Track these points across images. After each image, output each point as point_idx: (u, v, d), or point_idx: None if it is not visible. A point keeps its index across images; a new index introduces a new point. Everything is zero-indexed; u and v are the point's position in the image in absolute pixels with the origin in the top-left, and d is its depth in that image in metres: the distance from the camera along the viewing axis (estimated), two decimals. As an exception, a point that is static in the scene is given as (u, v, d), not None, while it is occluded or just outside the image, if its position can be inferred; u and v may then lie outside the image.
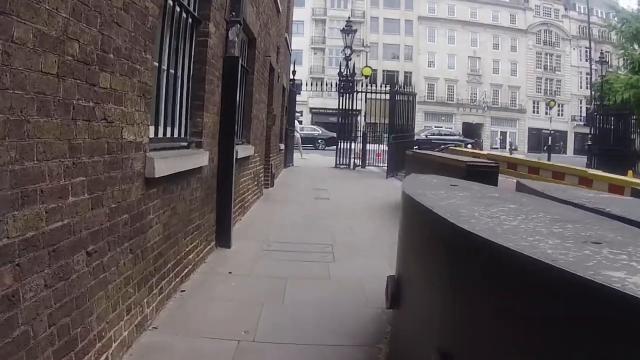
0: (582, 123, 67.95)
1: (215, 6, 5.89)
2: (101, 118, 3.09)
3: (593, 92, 45.44)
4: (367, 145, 22.31)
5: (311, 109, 62.67)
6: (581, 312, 1.36)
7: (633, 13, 38.38)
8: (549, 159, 32.88)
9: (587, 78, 69.28)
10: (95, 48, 2.97)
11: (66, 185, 2.75)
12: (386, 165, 19.43)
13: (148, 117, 3.87)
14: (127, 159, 3.52)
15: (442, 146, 20.77)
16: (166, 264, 4.58)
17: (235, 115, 6.62)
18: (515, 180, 10.16)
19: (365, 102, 21.59)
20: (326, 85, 24.66)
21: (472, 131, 61.87)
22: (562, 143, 67.89)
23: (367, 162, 22.11)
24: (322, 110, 60.14)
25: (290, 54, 21.61)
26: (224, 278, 5.52)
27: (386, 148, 21.98)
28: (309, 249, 6.95)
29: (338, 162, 21.23)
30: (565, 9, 74.45)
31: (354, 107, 21.11)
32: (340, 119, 21.99)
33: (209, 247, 6.28)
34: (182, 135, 5.31)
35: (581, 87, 72.12)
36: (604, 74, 35.17)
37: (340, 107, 21.16)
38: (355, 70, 21.54)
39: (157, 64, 4.38)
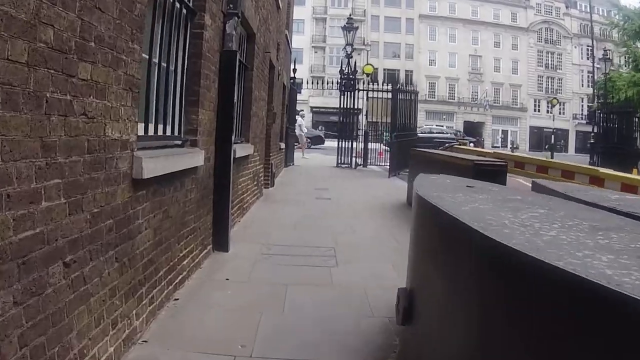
0: (583, 121, 67.75)
1: (212, -3, 5.59)
2: (80, 113, 2.78)
3: (595, 90, 45.22)
4: (369, 144, 22.00)
5: (312, 107, 62.44)
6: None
7: (635, 10, 38.17)
8: (552, 158, 32.61)
9: (588, 76, 69.44)
10: (73, 35, 2.66)
11: (38, 188, 2.44)
12: (388, 164, 19.13)
13: (136, 113, 3.56)
14: (112, 158, 3.21)
15: (447, 145, 20.44)
16: (158, 271, 4.27)
17: (233, 113, 6.31)
18: (521, 180, 9.86)
19: (367, 100, 21.30)
20: (327, 83, 24.32)
21: (473, 130, 61.65)
22: (562, 142, 67.59)
23: (369, 161, 21.81)
24: (323, 109, 59.91)
25: (291, 52, 21.30)
26: (220, 285, 5.20)
27: (382, 147, 21.75)
28: (310, 252, 6.64)
29: (339, 161, 20.92)
30: (567, 7, 74.27)
31: (356, 106, 20.80)
32: (341, 117, 21.64)
33: (205, 251, 5.97)
34: (176, 133, 4.99)
35: (582, 86, 72.03)
36: (607, 71, 34.75)
37: (342, 105, 20.83)
38: (357, 69, 21.18)
39: (147, 57, 4.07)
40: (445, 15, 71.12)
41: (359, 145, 21.62)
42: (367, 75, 22.40)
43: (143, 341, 3.82)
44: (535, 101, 72.81)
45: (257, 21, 8.88)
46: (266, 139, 12.01)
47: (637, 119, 24.92)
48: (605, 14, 64.07)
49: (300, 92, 27.04)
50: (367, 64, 26.04)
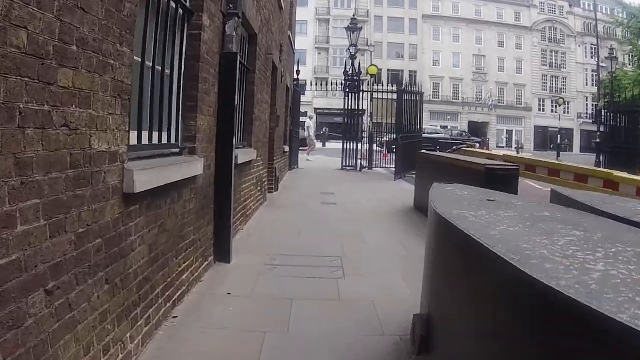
0: (589, 120, 67.35)
1: (210, -3, 5.32)
2: (61, 125, 2.51)
3: (601, 89, 44.83)
4: (374, 145, 21.72)
5: (316, 109, 62.16)
6: None
7: (640, 8, 37.83)
8: (558, 158, 32.27)
9: (592, 75, 69.12)
10: (51, 38, 2.39)
11: (12, 211, 2.17)
12: (394, 166, 18.85)
13: (127, 122, 3.28)
14: (99, 172, 2.94)
15: (454, 147, 20.12)
16: (154, 289, 4.00)
17: (234, 117, 6.02)
18: (531, 182, 9.54)
19: (371, 101, 21.00)
20: (331, 85, 24.03)
21: (478, 130, 61.27)
22: (567, 141, 67.21)
23: (374, 163, 21.54)
24: (327, 111, 59.62)
25: (294, 54, 21.03)
26: (221, 300, 4.92)
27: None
28: (316, 263, 6.36)
29: (344, 164, 20.63)
30: (570, 6, 73.92)
31: (360, 107, 20.52)
32: (346, 119, 21.36)
33: (206, 263, 5.69)
34: (173, 141, 4.72)
35: (587, 85, 71.71)
36: (613, 70, 34.38)
37: (346, 107, 20.54)
38: (361, 70, 20.90)
39: (139, 60, 3.80)
40: (449, 15, 70.85)
41: (363, 147, 21.34)
42: (372, 76, 22.10)
43: (138, 367, 3.55)
44: (539, 101, 72.45)
45: (258, 22, 8.61)
46: (269, 143, 11.74)
47: (644, 118, 24.51)
48: (609, 13, 63.83)
49: (304, 94, 26.75)
50: (371, 65, 25.71)
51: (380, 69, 44.52)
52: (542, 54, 72.99)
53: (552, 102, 70.78)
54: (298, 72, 20.92)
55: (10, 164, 2.14)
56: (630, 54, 49.52)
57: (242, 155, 7.30)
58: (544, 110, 72.22)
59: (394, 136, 21.35)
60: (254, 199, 9.35)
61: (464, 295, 2.03)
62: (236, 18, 5.99)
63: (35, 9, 2.24)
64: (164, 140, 4.46)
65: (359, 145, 20.86)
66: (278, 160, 13.67)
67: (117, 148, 3.15)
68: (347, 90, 20.48)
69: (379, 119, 22.22)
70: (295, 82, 20.98)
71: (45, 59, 2.35)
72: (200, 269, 5.45)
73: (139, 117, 3.82)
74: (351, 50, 21.82)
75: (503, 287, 1.61)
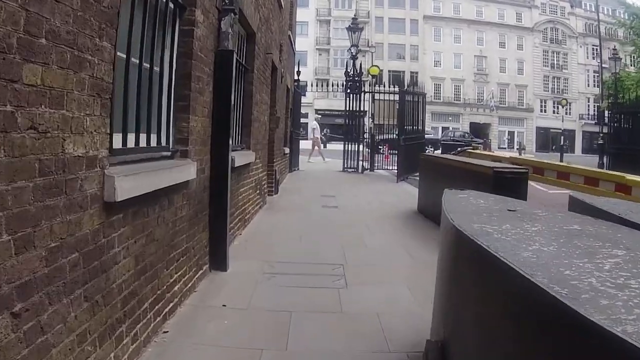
0: (590, 122, 67.12)
1: (204, -9, 5.02)
2: (27, 127, 2.22)
3: (604, 90, 44.54)
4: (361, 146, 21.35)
5: (317, 110, 61.82)
6: None
7: (642, 8, 37.64)
8: (561, 159, 31.95)
9: (594, 76, 68.89)
10: (14, 29, 2.10)
11: (-35, 225, 1.88)
12: (396, 168, 18.55)
13: (107, 124, 2.99)
14: (74, 180, 2.64)
15: (458, 149, 19.80)
16: (142, 303, 3.70)
17: (230, 118, 5.71)
18: (536, 185, 9.23)
19: (373, 102, 20.71)
20: (332, 85, 23.73)
21: (479, 131, 60.96)
22: (567, 142, 66.98)
23: (376, 164, 21.24)
24: (328, 112, 59.33)
25: (295, 54, 20.73)
26: (216, 313, 4.62)
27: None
28: (317, 271, 6.06)
29: (346, 166, 20.33)
30: (571, 6, 73.73)
31: (362, 108, 20.22)
32: (347, 120, 21.05)
33: (200, 272, 5.39)
34: (164, 144, 4.42)
35: (588, 85, 71.53)
36: (617, 70, 34.06)
37: (347, 107, 20.24)
38: (362, 70, 20.60)
39: (124, 56, 3.51)
40: (450, 16, 70.61)
41: (364, 149, 21.04)
42: (373, 76, 21.79)
43: (121, 391, 3.25)
44: (541, 101, 72.21)
45: (257, 20, 8.32)
46: (269, 145, 11.44)
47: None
48: (610, 13, 63.58)
49: (304, 95, 26.43)
50: (373, 65, 25.37)
51: (381, 70, 44.13)
52: (543, 55, 72.75)
53: (554, 103, 70.55)
54: (298, 72, 20.62)
55: (-37, 172, 1.85)
56: (633, 55, 49.38)
57: (240, 157, 7.01)
58: (545, 111, 71.98)
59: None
60: (253, 203, 9.06)
61: (494, 328, 1.72)
62: (232, 14, 5.70)
63: (-7, -5, 1.95)
64: (153, 143, 4.16)
65: (360, 146, 20.58)
66: (278, 162, 13.38)
67: (96, 152, 2.86)
68: (348, 90, 20.18)
69: (381, 120, 21.90)
70: (296, 83, 20.69)
71: (6, 53, 2.06)
72: (194, 278, 5.15)
73: (124, 119, 3.52)
74: (352, 51, 21.51)
75: (550, 327, 1.31)
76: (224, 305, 4.79)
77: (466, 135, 43.86)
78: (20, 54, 2.14)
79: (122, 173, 3.10)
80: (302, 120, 28.77)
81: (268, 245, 7.27)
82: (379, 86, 20.44)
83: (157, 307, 4.03)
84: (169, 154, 4.44)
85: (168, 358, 3.72)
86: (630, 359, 0.99)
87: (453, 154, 15.00)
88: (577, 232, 2.14)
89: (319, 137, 26.00)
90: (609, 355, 1.05)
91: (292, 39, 18.02)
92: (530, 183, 9.86)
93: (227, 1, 5.63)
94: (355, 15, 24.34)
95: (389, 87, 19.94)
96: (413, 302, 5.06)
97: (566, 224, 2.34)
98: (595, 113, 66.35)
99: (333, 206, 11.29)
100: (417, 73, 64.67)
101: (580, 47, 73.16)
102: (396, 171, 18.08)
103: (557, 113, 68.46)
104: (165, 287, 4.22)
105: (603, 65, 43.60)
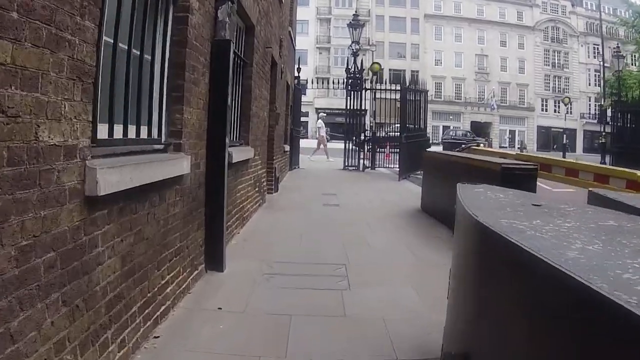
0: (591, 121, 66.91)
1: (199, -24, 4.75)
2: (-9, 110, 1.95)
3: (606, 89, 44.27)
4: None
5: (317, 109, 61.58)
6: None
7: (645, 6, 37.47)
8: (564, 158, 31.70)
9: (595, 75, 68.70)
10: (-24, -3, 1.83)
11: None
12: (397, 166, 18.29)
13: (89, 110, 2.72)
14: (50, 171, 2.38)
15: (463, 146, 19.52)
16: (129, 307, 3.43)
17: (227, 111, 5.43)
18: (540, 184, 8.94)
19: (374, 100, 20.42)
20: (333, 83, 23.47)
21: (480, 130, 60.75)
22: (568, 141, 66.79)
23: (377, 163, 20.97)
24: (328, 110, 59.08)
25: (295, 50, 20.45)
26: (211, 316, 4.35)
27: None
28: (318, 271, 5.79)
29: (347, 164, 20.08)
30: (572, 5, 73.59)
31: (363, 106, 19.96)
32: (348, 118, 20.78)
33: (196, 272, 5.12)
34: (155, 136, 4.15)
35: (589, 85, 71.37)
36: (620, 69, 33.81)
37: (348, 105, 19.97)
38: (364, 67, 20.32)
39: (111, 41, 3.24)
40: (451, 15, 70.39)
41: (366, 147, 20.78)
42: (374, 74, 21.50)
43: (106, 402, 2.99)
44: (542, 100, 72.04)
45: (256, 12, 8.04)
46: (269, 142, 11.17)
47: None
48: (612, 12, 63.37)
49: (304, 94, 26.15)
50: (374, 62, 25.07)
51: (382, 69, 43.86)
52: (544, 54, 72.61)
53: (555, 102, 70.36)
54: (299, 69, 20.34)
55: None
56: (635, 54, 49.15)
57: (238, 153, 6.73)
58: (546, 110, 71.81)
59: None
60: (252, 201, 8.79)
61: (540, 341, 1.44)
62: (229, 3, 5.43)
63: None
64: (144, 135, 3.89)
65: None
66: (278, 159, 13.10)
67: (76, 141, 2.59)
68: (349, 88, 19.92)
69: (382, 118, 21.64)
70: (296, 81, 20.41)
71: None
72: (189, 279, 4.88)
73: (110, 108, 3.25)
74: (353, 47, 21.24)
75: (620, 342, 1.04)
76: (220, 308, 4.52)
77: (468, 134, 43.53)
78: (-18, 27, 1.88)
79: (106, 165, 2.84)
80: (303, 118, 28.51)
81: (267, 245, 7.00)
82: (380, 84, 20.16)
83: (147, 310, 3.77)
84: (161, 147, 4.18)
85: (158, 366, 3.45)
86: None
87: (457, 151, 14.72)
88: (616, 229, 1.88)
89: (324, 135, 25.69)
90: None
91: (292, 35, 17.75)
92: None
93: (224, -12, 5.36)
94: (356, 12, 24.03)
95: (391, 85, 19.67)
96: (420, 304, 4.80)
97: (600, 219, 2.07)
98: (597, 112, 66.25)
99: (334, 204, 11.02)
100: (417, 72, 64.27)
101: (582, 46, 73.03)
102: (398, 169, 17.82)
103: (558, 112, 68.27)
104: (156, 289, 3.95)
105: (606, 65, 43.43)
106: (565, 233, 1.72)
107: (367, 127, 23.49)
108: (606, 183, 7.99)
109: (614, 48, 38.73)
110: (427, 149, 15.91)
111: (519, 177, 6.51)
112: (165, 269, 4.16)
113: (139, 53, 3.73)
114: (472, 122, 67.41)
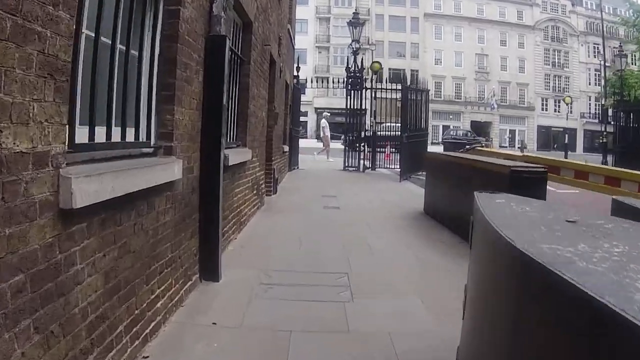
0: (591, 120, 66.73)
1: (193, -32, 4.44)
2: (-63, 112, 1.66)
3: (607, 88, 44.02)
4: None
5: (316, 108, 61.38)
6: None
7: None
8: (565, 158, 31.42)
9: (595, 74, 68.52)
10: None
11: None
12: (398, 166, 18.00)
13: (63, 112, 2.41)
14: (15, 182, 2.08)
15: (467, 147, 19.22)
16: (114, 328, 3.13)
17: (223, 111, 5.11)
18: (548, 185, 8.67)
19: (374, 99, 20.10)
20: (332, 82, 23.17)
21: (480, 129, 60.49)
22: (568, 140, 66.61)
23: (377, 163, 20.67)
24: (328, 110, 58.81)
25: (294, 49, 20.14)
26: (205, 332, 4.04)
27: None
28: (319, 281, 5.49)
29: (346, 164, 19.78)
30: (572, 5, 73.42)
31: (363, 105, 19.66)
32: (348, 118, 20.47)
33: (189, 283, 4.82)
34: (144, 139, 3.85)
35: (590, 84, 71.23)
36: (623, 68, 33.55)
37: (348, 105, 19.66)
38: (364, 66, 20.01)
39: (92, 35, 2.94)
40: (451, 14, 70.16)
41: (362, 147, 20.46)
42: (375, 73, 21.20)
43: None
44: (542, 100, 71.81)
45: (254, 8, 7.74)
46: (267, 142, 10.86)
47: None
48: (612, 11, 63.13)
49: (304, 93, 25.85)
50: (375, 61, 24.76)
51: (382, 68, 43.54)
52: (544, 53, 72.41)
53: (555, 102, 70.22)
54: (298, 68, 20.03)
55: None
56: (635, 53, 48.90)
57: (235, 155, 6.43)
58: (546, 109, 71.64)
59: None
60: (250, 204, 8.49)
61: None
62: (225, -4, 5.13)
63: None
64: (130, 138, 3.59)
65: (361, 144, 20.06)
66: (277, 160, 12.80)
67: (48, 147, 2.29)
68: (349, 87, 19.62)
69: (382, 117, 21.35)
70: (295, 80, 20.10)
71: None
72: (182, 291, 4.57)
73: (91, 108, 2.95)
74: (353, 46, 20.92)
75: None
76: (214, 323, 4.22)
77: (469, 133, 43.17)
78: None
79: (84, 173, 2.53)
80: (302, 118, 28.19)
81: (265, 251, 6.70)
82: (379, 84, 19.86)
83: (134, 329, 3.46)
84: (150, 150, 3.88)
85: (146, 390, 3.16)
86: None
87: (460, 152, 14.43)
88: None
89: (328, 135, 25.44)
90: None
91: (291, 34, 17.43)
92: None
93: (219, -19, 5.06)
94: (356, 10, 23.72)
95: (391, 84, 19.38)
96: (428, 317, 4.50)
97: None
98: (597, 111, 66.04)
99: (334, 207, 10.72)
100: (417, 71, 63.91)
101: (582, 45, 72.86)
102: (399, 170, 17.54)
103: (559, 111, 68.10)
104: (145, 304, 3.65)
105: (607, 65, 43.16)
106: (620, 263, 1.43)
107: (367, 126, 23.12)
108: (617, 186, 7.69)
109: (614, 47, 38.51)
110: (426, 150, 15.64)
111: (528, 180, 6.22)
112: (156, 282, 3.86)
113: (125, 48, 3.43)
114: (472, 121, 67.14)
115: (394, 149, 20.97)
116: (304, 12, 56.43)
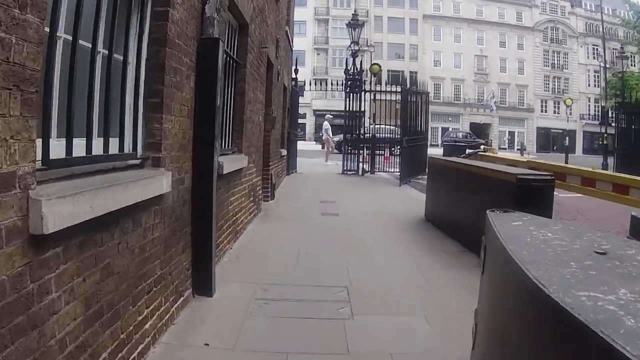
0: (591, 122, 66.68)
1: (183, -33, 4.20)
2: None
3: (607, 90, 43.87)
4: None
5: (315, 110, 61.20)
6: None
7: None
8: (566, 160, 31.23)
9: (595, 76, 68.46)
10: None
11: None
12: (398, 170, 17.76)
13: (32, 127, 2.17)
14: (-28, 208, 1.84)
15: (469, 152, 18.97)
16: (96, 356, 2.88)
17: (216, 117, 4.86)
18: (560, 192, 8.42)
19: (374, 102, 19.87)
20: (331, 84, 22.94)
21: (480, 131, 60.26)
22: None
23: (376, 166, 20.42)
24: (326, 112, 58.62)
25: (292, 51, 19.90)
26: (197, 355, 3.80)
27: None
28: (317, 296, 5.24)
29: (345, 168, 19.52)
30: (572, 6, 73.42)
31: (362, 108, 19.43)
32: (347, 120, 20.21)
33: (181, 299, 4.57)
34: (130, 150, 3.61)
35: (589, 85, 71.19)
36: (624, 69, 33.39)
37: (347, 107, 19.42)
38: (363, 69, 19.79)
39: (69, 38, 2.70)
40: (450, 15, 70.05)
41: (364, 151, 20.22)
42: (374, 75, 20.97)
43: None
44: (542, 101, 71.70)
45: (250, 9, 7.50)
46: (264, 147, 10.63)
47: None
48: (611, 13, 63.01)
49: (302, 95, 25.63)
50: (374, 63, 24.53)
51: (381, 70, 43.22)
52: (544, 55, 72.34)
53: (555, 103, 70.09)
54: (296, 70, 19.79)
55: None
56: (636, 55, 48.79)
57: (230, 162, 6.19)
58: (546, 111, 71.55)
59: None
60: (246, 212, 8.24)
61: None
62: (219, -2, 4.89)
63: None
64: (114, 150, 3.34)
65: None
66: (274, 165, 12.55)
67: (14, 167, 2.04)
68: (348, 89, 19.38)
69: (382, 120, 21.11)
70: (294, 82, 19.87)
71: None
72: (173, 308, 4.33)
73: (68, 120, 2.71)
74: (352, 48, 20.68)
75: None
76: (207, 344, 3.98)
77: (469, 135, 42.84)
78: None
79: (57, 194, 2.28)
80: (300, 120, 27.96)
81: (261, 262, 6.45)
82: (378, 86, 19.62)
83: (120, 354, 3.22)
84: (137, 162, 3.64)
85: None
86: None
87: (463, 157, 14.19)
88: None
89: (330, 138, 25.28)
90: None
91: (289, 36, 17.20)
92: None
93: (212, -18, 4.82)
94: (355, 12, 23.48)
95: (389, 86, 19.15)
96: (432, 336, 4.26)
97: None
98: (596, 113, 65.97)
99: (333, 213, 10.47)
100: (416, 73, 63.78)
101: (581, 47, 72.81)
102: (398, 174, 17.31)
103: (558, 113, 67.97)
104: (131, 327, 3.40)
105: (607, 66, 43.02)
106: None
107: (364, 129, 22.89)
108: (625, 194, 7.44)
109: (614, 49, 38.34)
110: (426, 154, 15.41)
111: (535, 189, 6.00)
112: (143, 303, 3.62)
113: (107, 52, 3.19)
114: (471, 123, 66.96)
115: (393, 149, 20.76)
116: (303, 14, 56.22)
